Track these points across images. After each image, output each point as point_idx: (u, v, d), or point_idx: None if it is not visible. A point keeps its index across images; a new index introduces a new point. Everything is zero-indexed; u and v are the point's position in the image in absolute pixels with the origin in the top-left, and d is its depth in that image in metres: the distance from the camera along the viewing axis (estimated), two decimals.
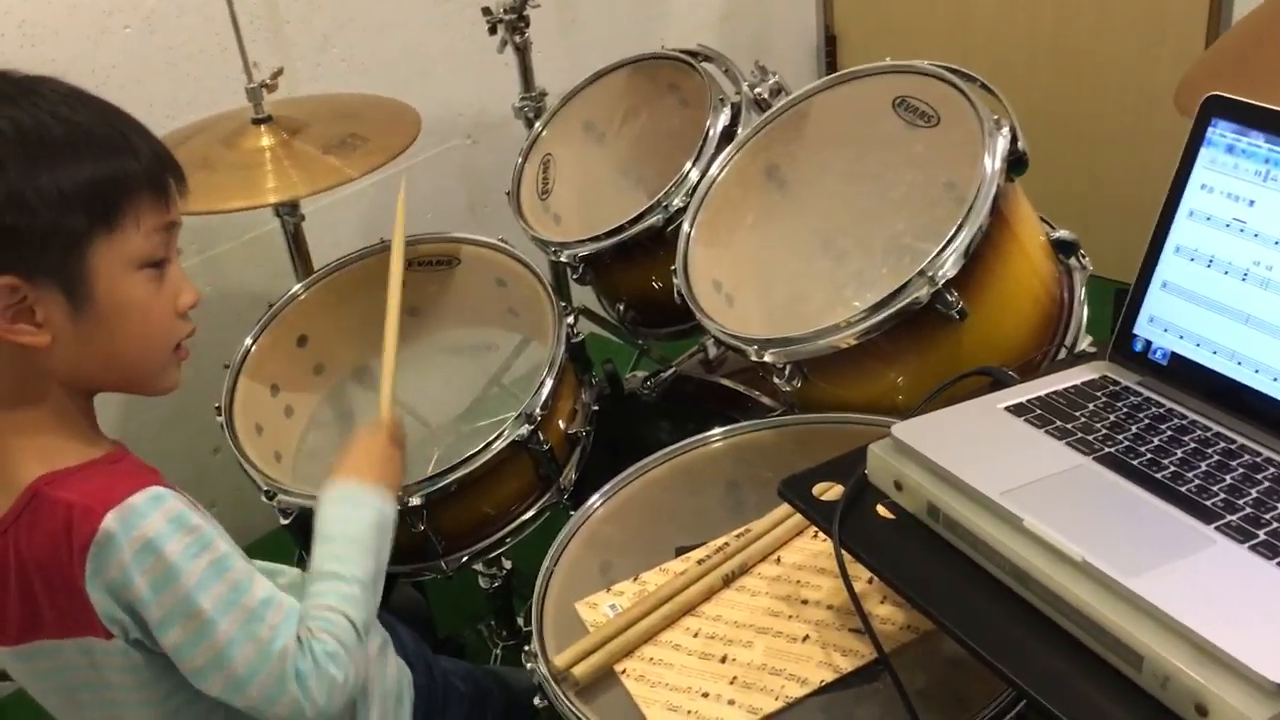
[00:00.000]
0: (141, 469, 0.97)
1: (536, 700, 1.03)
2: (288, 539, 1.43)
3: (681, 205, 1.50)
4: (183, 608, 0.91)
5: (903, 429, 0.93)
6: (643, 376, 1.81)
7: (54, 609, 0.94)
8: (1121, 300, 1.02)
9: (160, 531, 0.90)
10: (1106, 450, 0.90)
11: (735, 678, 0.99)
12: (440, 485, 1.36)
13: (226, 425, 1.47)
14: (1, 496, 0.93)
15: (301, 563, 1.32)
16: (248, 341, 1.56)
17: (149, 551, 0.89)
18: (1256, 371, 0.91)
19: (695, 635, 1.05)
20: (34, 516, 0.91)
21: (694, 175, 1.52)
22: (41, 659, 0.98)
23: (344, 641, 0.97)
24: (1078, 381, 1.00)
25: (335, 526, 1.06)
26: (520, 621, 1.71)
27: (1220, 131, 0.94)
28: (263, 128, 1.66)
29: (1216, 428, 0.92)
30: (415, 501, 1.34)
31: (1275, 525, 0.80)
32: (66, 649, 0.95)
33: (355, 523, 1.07)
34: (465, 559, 1.46)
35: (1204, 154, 0.96)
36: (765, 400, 1.60)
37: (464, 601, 1.86)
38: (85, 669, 0.96)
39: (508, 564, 1.65)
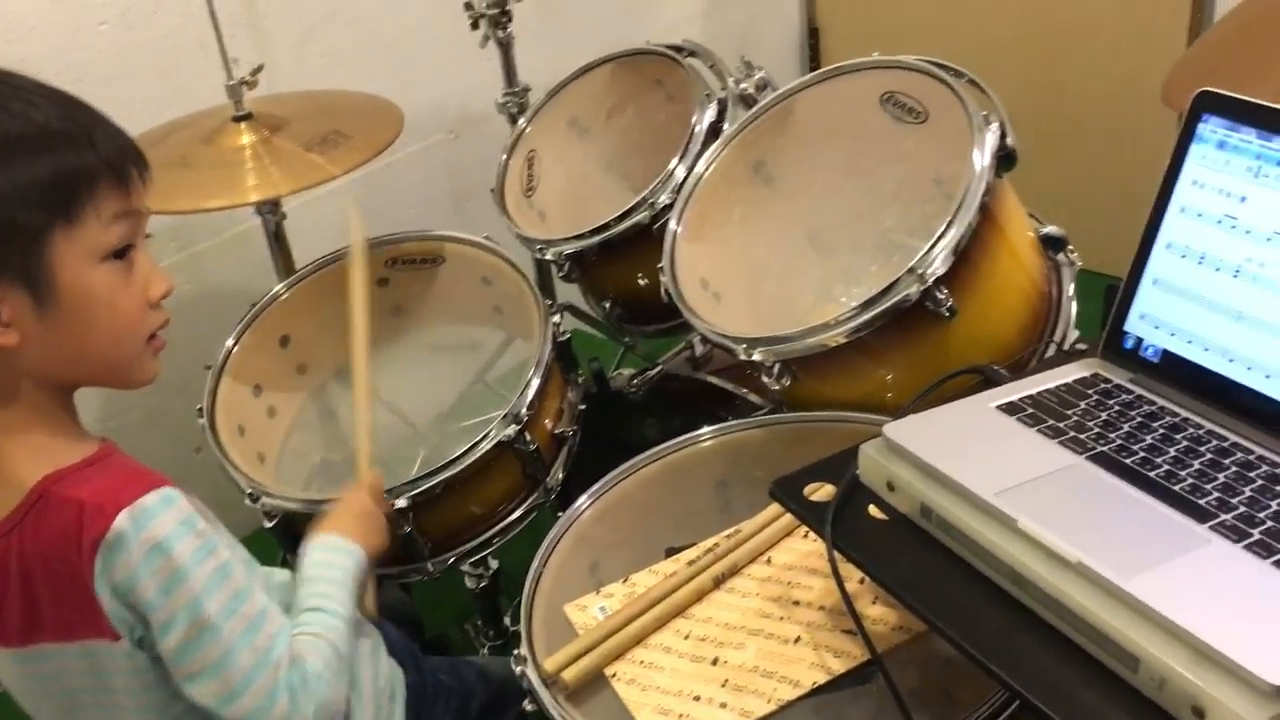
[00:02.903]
0: (141, 466, 0.97)
1: (526, 704, 1.02)
2: (270, 541, 1.41)
3: (668, 202, 1.49)
4: (188, 611, 0.91)
5: (895, 429, 0.92)
6: (629, 375, 1.80)
7: (58, 610, 0.93)
8: (1112, 296, 1.01)
9: (170, 533, 0.90)
10: (1099, 449, 0.89)
11: (727, 680, 0.99)
12: (426, 487, 1.34)
13: (209, 427, 1.45)
14: (1, 497, 0.92)
15: (285, 564, 1.30)
16: (229, 342, 1.54)
17: (159, 553, 0.89)
18: (1249, 369, 0.90)
19: (686, 637, 1.04)
20: (41, 516, 0.91)
21: (680, 172, 1.51)
22: (42, 662, 0.97)
23: (329, 663, 0.99)
24: (1069, 379, 0.99)
25: (319, 570, 1.09)
26: (507, 621, 1.71)
27: (1211, 127, 0.94)
28: (243, 125, 1.64)
29: (1209, 425, 0.91)
30: (401, 503, 1.33)
31: (1270, 524, 0.79)
32: (69, 652, 0.95)
33: (338, 568, 1.09)
34: (452, 560, 1.45)
35: (1195, 150, 0.95)
36: (753, 398, 1.60)
37: (450, 601, 1.85)
38: (87, 674, 0.96)
39: (494, 564, 1.64)
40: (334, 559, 1.10)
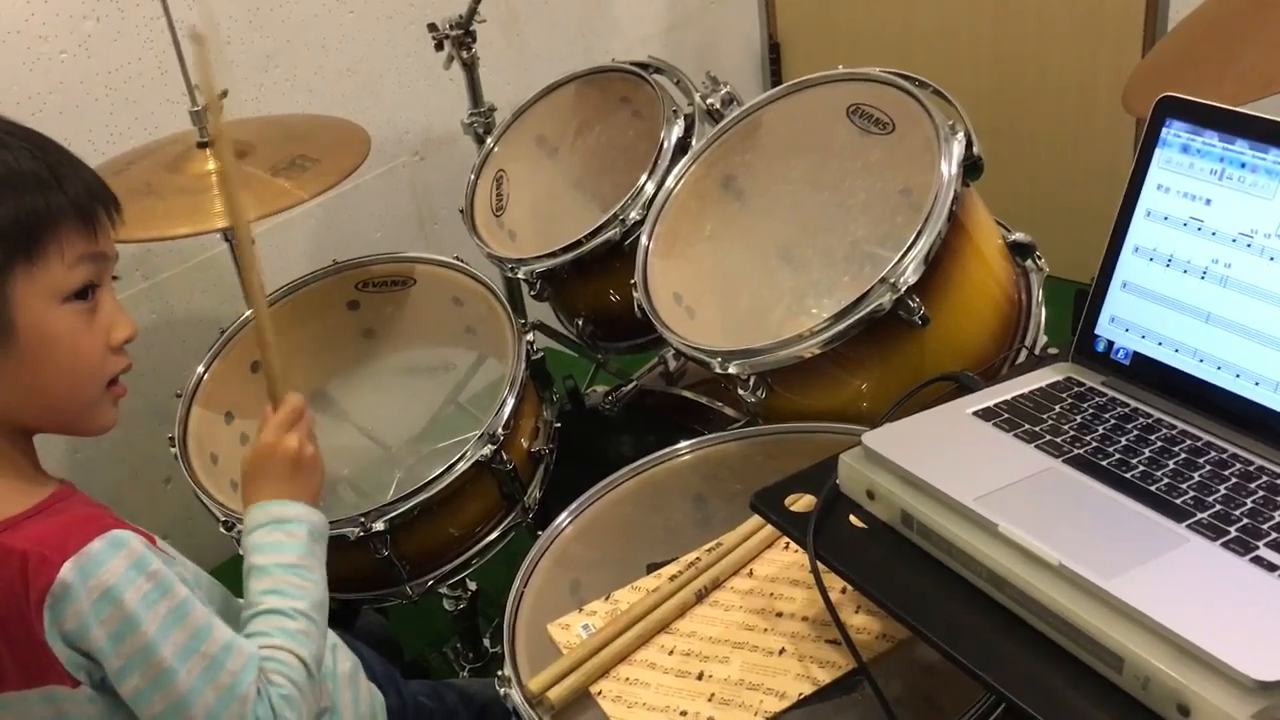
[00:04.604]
0: (94, 509, 0.95)
1: None
2: None
3: (638, 218, 1.49)
4: (142, 656, 0.89)
5: (873, 437, 0.93)
6: (603, 391, 1.80)
7: (15, 660, 0.91)
8: (1082, 301, 1.03)
9: (119, 579, 0.88)
10: (1075, 452, 0.90)
11: (713, 694, 0.98)
12: (403, 510, 1.34)
13: (181, 456, 1.44)
14: None
15: None
16: (200, 369, 1.53)
17: (108, 601, 0.88)
18: (1219, 368, 0.92)
19: (671, 653, 1.04)
20: None
21: (650, 188, 1.51)
22: (5, 711, 0.95)
23: (297, 682, 0.96)
24: (1043, 384, 1.00)
25: (265, 556, 1.03)
26: (486, 643, 1.70)
27: (1175, 132, 0.95)
28: (208, 151, 1.62)
29: (1182, 425, 0.92)
30: (379, 527, 1.32)
31: (1245, 521, 0.80)
32: (31, 699, 0.93)
33: (285, 548, 1.03)
34: (430, 583, 1.44)
35: (1159, 154, 0.96)
36: (728, 411, 1.60)
37: (428, 624, 1.83)
38: (51, 719, 0.94)
39: (472, 586, 1.63)
40: (281, 538, 1.03)
